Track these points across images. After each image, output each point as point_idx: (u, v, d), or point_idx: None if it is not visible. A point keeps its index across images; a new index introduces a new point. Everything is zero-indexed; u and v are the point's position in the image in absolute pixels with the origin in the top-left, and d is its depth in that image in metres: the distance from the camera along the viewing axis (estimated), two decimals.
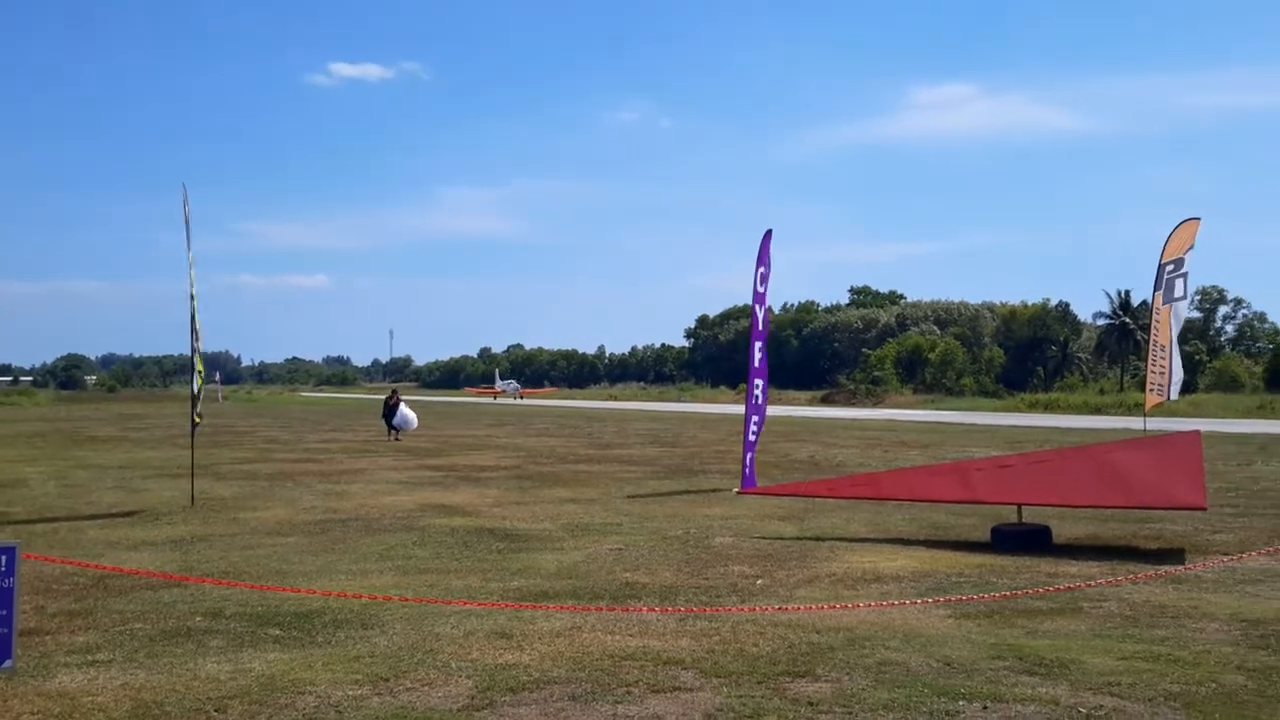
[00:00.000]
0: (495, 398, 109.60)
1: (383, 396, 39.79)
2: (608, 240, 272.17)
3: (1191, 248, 25.92)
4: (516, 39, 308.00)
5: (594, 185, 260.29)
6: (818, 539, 13.33)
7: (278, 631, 8.41)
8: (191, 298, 16.98)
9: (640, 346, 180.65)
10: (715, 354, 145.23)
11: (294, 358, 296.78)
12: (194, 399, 17.83)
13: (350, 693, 6.73)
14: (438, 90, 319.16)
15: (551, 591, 10.03)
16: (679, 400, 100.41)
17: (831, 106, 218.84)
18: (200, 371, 17.56)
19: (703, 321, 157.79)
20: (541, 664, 7.38)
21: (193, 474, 18.79)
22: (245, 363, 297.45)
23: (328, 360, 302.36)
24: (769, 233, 19.37)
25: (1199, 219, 26.26)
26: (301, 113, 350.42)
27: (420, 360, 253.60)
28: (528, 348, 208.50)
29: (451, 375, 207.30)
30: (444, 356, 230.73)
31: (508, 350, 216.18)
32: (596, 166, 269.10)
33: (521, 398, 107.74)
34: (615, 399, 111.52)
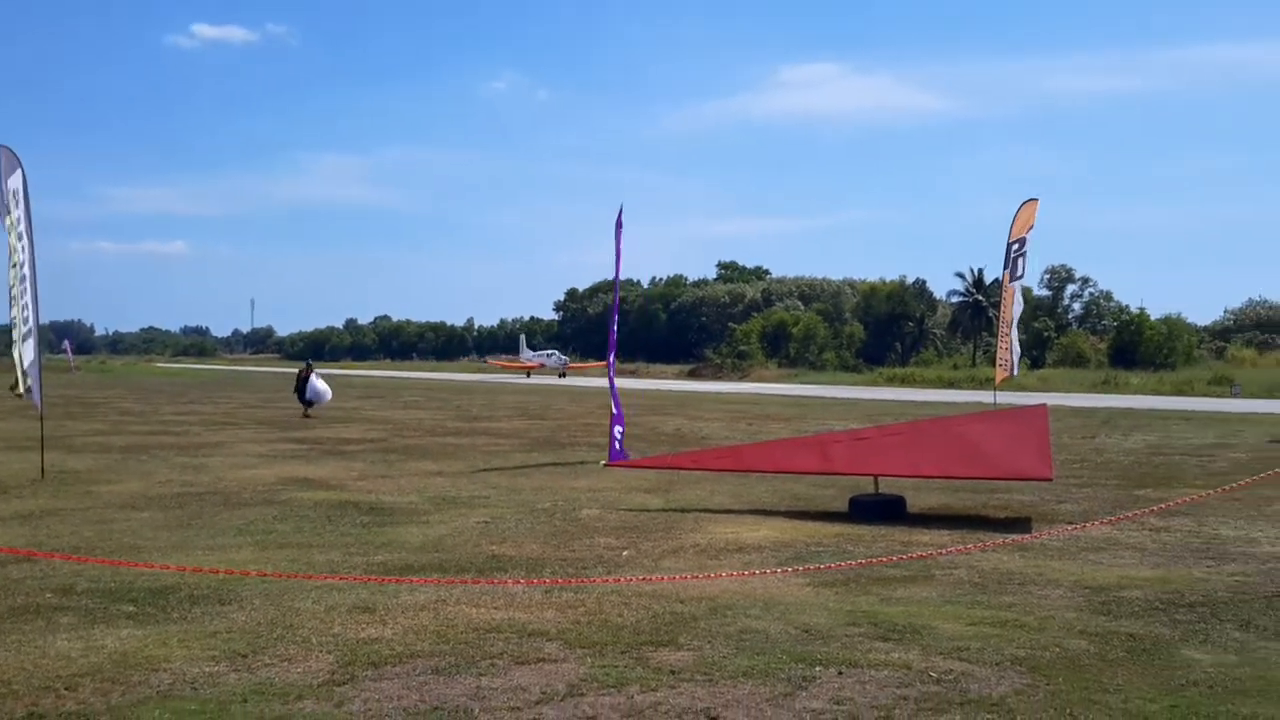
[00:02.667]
0: (529, 374, 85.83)
1: (294, 370, 37.61)
2: (478, 211, 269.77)
3: (1032, 227, 26.93)
4: (387, 4, 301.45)
5: (465, 155, 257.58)
6: (683, 510, 13.52)
7: (131, 608, 8.18)
8: (13, 265, 16.46)
9: (510, 319, 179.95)
10: (584, 327, 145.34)
11: (150, 327, 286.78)
12: (19, 370, 17.36)
13: (206, 669, 6.60)
14: (304, 54, 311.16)
15: (416, 565, 9.97)
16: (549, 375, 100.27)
17: (703, 82, 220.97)
18: (16, 342, 17.00)
19: (572, 295, 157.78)
20: (404, 638, 7.35)
21: (43, 446, 18.08)
22: (99, 332, 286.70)
23: (186, 330, 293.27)
24: (620, 209, 19.30)
25: (1037, 200, 27.29)
26: (162, 74, 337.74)
27: (283, 331, 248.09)
28: (395, 319, 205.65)
29: (316, 346, 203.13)
30: (308, 328, 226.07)
31: (374, 321, 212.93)
32: (468, 136, 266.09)
33: (565, 375, 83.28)
34: (484, 371, 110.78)
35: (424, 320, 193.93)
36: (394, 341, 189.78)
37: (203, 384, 68.05)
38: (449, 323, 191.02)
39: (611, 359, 19.73)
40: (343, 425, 29.33)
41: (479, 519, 12.79)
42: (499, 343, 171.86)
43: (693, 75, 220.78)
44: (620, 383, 20.68)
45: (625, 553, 10.64)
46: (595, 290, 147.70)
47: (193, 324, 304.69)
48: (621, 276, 19.90)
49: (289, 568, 9.74)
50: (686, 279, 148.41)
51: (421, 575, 9.47)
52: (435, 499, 14.55)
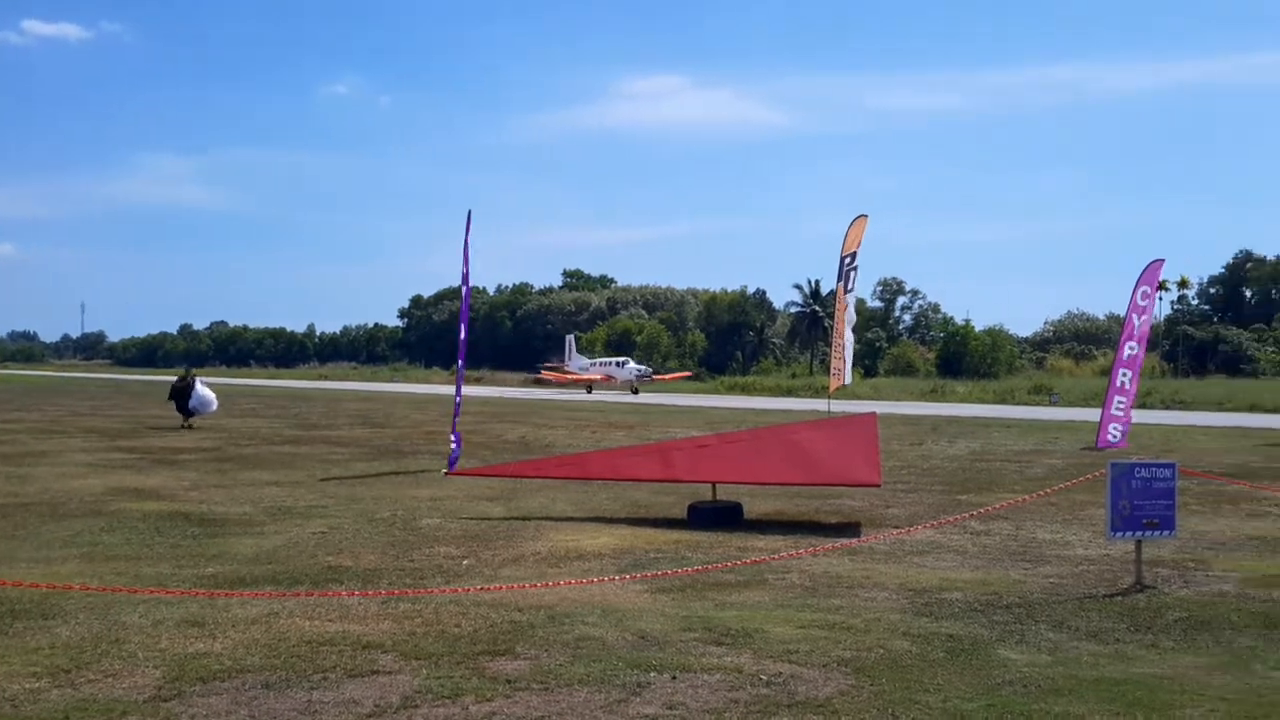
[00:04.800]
0: (590, 389, 67.61)
1: (172, 379, 34.47)
2: (319, 215, 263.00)
3: (861, 242, 27.88)
4: (225, 4, 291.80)
5: (305, 158, 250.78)
6: (525, 519, 13.51)
7: None
8: None
9: (352, 326, 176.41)
10: (429, 334, 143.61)
11: None
12: None
13: (27, 685, 6.34)
14: (140, 53, 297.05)
15: (249, 577, 9.73)
16: (391, 381, 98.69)
17: (550, 91, 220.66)
18: None
19: (417, 301, 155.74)
20: (235, 652, 7.17)
21: None
22: None
23: (13, 335, 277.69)
24: (469, 215, 19.01)
25: (866, 216, 28.32)
26: None
27: (115, 336, 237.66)
28: (232, 325, 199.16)
29: (149, 353, 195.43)
30: (140, 333, 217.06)
31: (210, 327, 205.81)
32: (308, 139, 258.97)
33: (637, 391, 65.54)
34: (325, 379, 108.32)
35: (262, 326, 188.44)
36: (231, 348, 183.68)
37: (30, 391, 64.76)
38: (289, 329, 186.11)
39: (461, 365, 19.57)
40: (175, 434, 28.33)
41: (315, 529, 12.54)
42: (341, 350, 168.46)
43: (539, 84, 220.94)
44: (466, 390, 20.57)
45: (465, 562, 10.59)
46: (441, 297, 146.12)
47: (20, 328, 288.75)
48: (468, 284, 19.77)
49: (116, 581, 9.39)
50: (532, 287, 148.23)
51: (254, 588, 9.24)
52: (270, 509, 14.20)
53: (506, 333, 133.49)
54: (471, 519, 13.45)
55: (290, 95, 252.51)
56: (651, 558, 10.89)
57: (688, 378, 79.84)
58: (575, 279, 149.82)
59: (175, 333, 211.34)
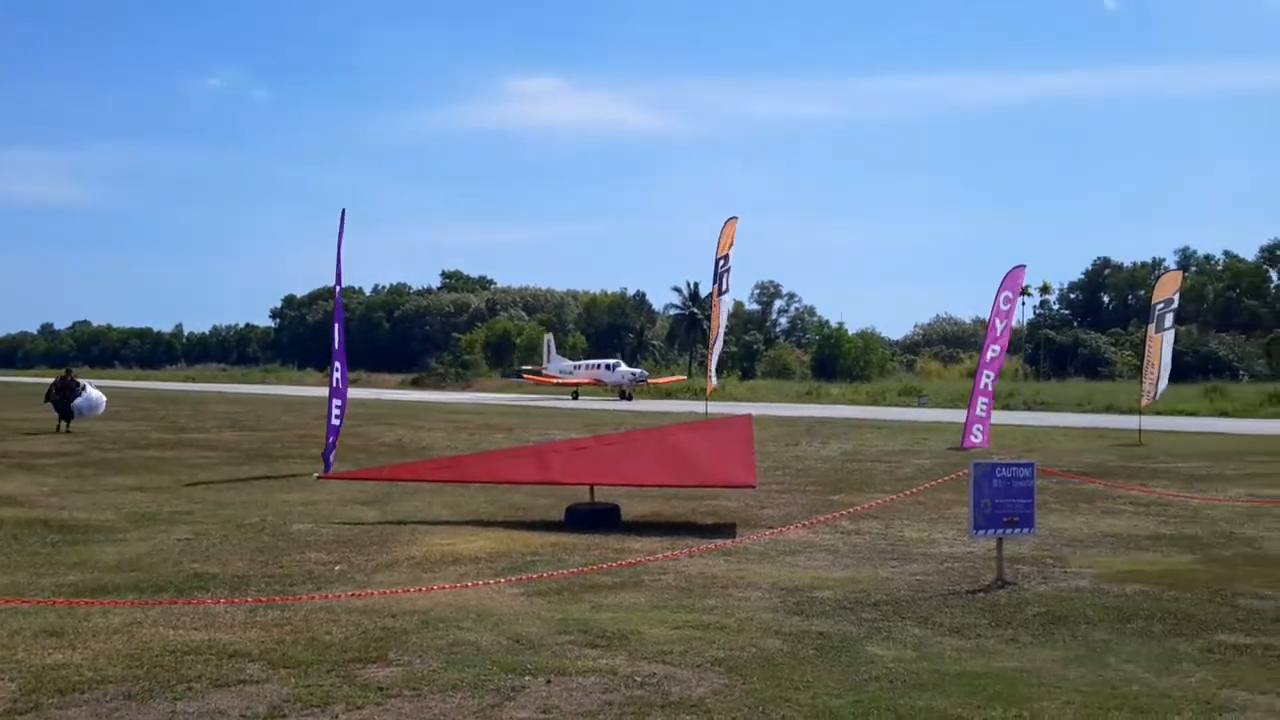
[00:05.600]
0: (576, 394, 63.01)
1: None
2: (188, 212, 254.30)
3: (733, 244, 28.30)
4: None
5: (175, 154, 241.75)
6: (400, 523, 13.35)
7: None
8: None
9: (222, 326, 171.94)
10: (303, 335, 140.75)
11: None
12: None
13: None
14: (5, 45, 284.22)
15: (110, 585, 9.42)
16: (263, 382, 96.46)
17: (429, 90, 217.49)
18: None
19: (290, 301, 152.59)
20: (95, 663, 6.94)
21: None
22: None
23: None
24: (342, 214, 18.97)
25: (737, 218, 28.76)
26: None
27: None
28: (95, 325, 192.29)
29: (8, 353, 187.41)
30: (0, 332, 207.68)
31: (73, 327, 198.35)
32: (179, 134, 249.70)
33: (630, 396, 61.30)
34: (193, 381, 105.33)
35: (127, 326, 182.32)
36: (94, 348, 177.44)
37: None
38: (155, 329, 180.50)
39: (339, 367, 19.19)
40: (35, 438, 27.24)
41: (181, 536, 12.20)
42: (210, 351, 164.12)
43: (418, 83, 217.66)
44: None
45: (337, 568, 10.42)
46: (315, 297, 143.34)
47: None
48: (344, 284, 19.48)
49: None
50: (410, 288, 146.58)
51: (116, 596, 8.96)
52: (134, 515, 13.77)
53: (384, 334, 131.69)
54: (344, 524, 13.24)
55: (161, 89, 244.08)
56: (528, 560, 10.87)
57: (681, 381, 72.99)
58: (454, 280, 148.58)
59: (36, 332, 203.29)
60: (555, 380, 66.81)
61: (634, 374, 64.64)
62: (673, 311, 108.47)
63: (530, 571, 10.14)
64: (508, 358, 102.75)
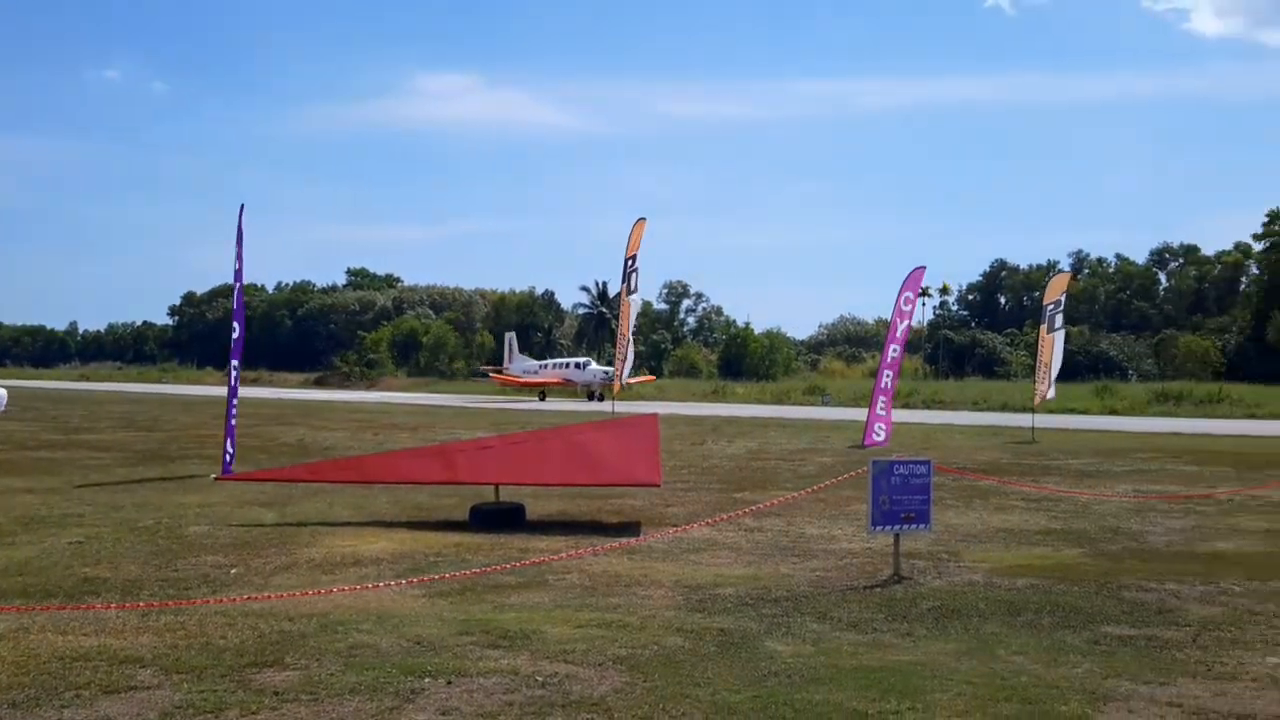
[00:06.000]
0: (543, 395, 59.86)
1: None
2: (83, 206, 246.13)
3: (641, 244, 28.50)
4: None
5: (68, 146, 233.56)
6: (299, 524, 13.15)
7: None
8: None
9: (119, 324, 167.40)
10: (203, 333, 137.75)
11: None
12: None
13: None
14: None
15: None
16: (160, 382, 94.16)
17: (336, 84, 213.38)
18: None
19: (189, 299, 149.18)
20: None
21: None
22: None
23: None
24: (241, 210, 18.71)
25: (645, 219, 28.94)
26: None
27: None
28: None
29: None
30: None
31: None
32: (72, 126, 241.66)
33: (601, 397, 55.71)
34: (88, 380, 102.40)
35: (18, 323, 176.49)
36: None
37: None
38: (48, 326, 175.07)
39: (235, 366, 18.85)
40: None
41: (71, 539, 11.87)
42: (106, 349, 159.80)
43: (325, 77, 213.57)
44: (241, 391, 19.83)
45: (233, 570, 10.24)
46: (215, 294, 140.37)
47: None
48: (246, 281, 19.13)
49: None
50: (314, 285, 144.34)
51: (2, 602, 8.69)
52: (22, 518, 13.36)
53: (286, 332, 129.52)
54: (242, 526, 13.00)
55: (57, 80, 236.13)
56: (431, 561, 10.79)
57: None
58: (360, 278, 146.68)
59: None
60: (519, 381, 62.74)
61: (606, 373, 57.57)
62: (581, 311, 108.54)
63: (432, 572, 10.07)
64: (414, 356, 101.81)
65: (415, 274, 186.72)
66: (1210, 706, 6.35)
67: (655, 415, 15.55)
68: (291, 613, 8.42)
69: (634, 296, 28.65)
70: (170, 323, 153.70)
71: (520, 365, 66.14)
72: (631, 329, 28.40)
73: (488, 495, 13.86)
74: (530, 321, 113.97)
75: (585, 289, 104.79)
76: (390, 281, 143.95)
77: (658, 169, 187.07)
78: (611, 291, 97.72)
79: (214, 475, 17.58)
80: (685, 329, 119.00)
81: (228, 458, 18.06)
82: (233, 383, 18.74)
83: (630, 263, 27.54)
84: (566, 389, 60.67)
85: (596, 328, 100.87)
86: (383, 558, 10.98)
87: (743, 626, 8.19)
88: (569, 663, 7.12)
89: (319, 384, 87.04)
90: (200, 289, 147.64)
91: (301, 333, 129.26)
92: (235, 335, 18.74)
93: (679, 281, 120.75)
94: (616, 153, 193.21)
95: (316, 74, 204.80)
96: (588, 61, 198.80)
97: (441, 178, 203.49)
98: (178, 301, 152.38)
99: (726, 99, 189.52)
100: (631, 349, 28.92)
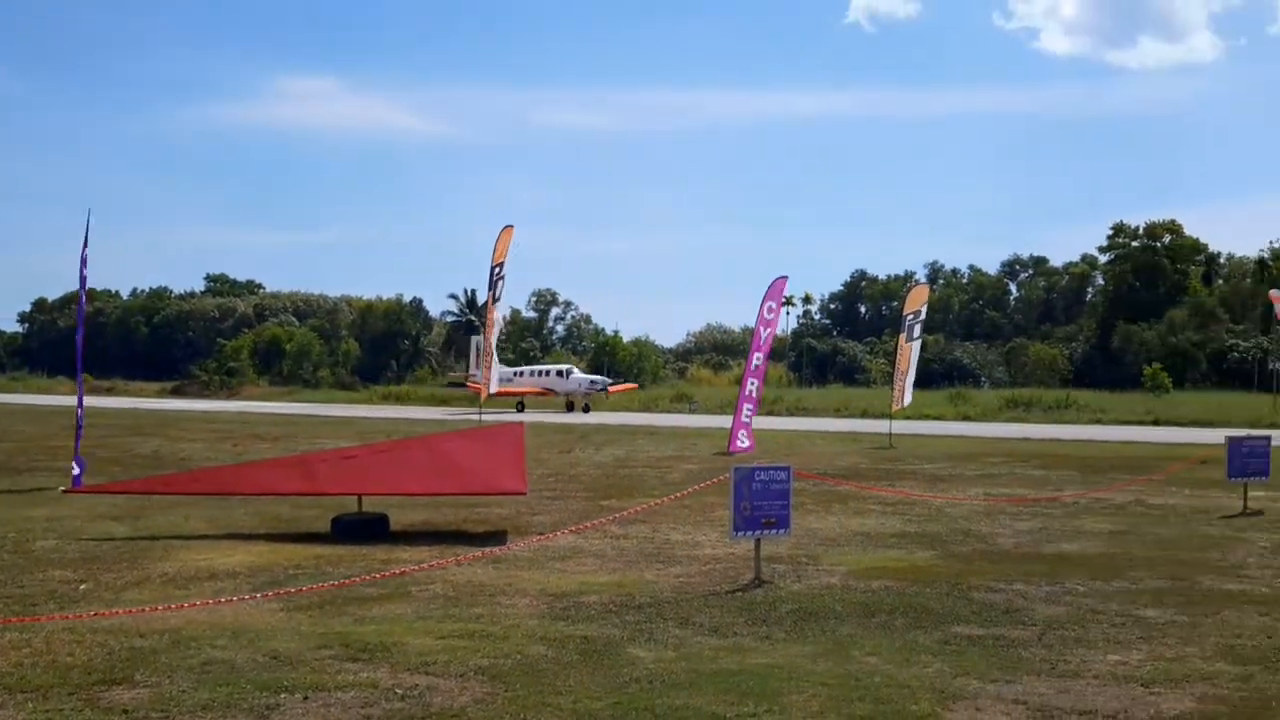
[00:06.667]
0: (521, 405, 55.35)
1: None
2: None
3: (509, 252, 28.50)
4: None
5: None
6: (152, 538, 12.77)
7: None
8: None
9: None
10: (55, 340, 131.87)
11: None
12: None
13: None
14: None
15: None
16: (9, 391, 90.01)
17: (194, 85, 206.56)
18: None
19: (40, 305, 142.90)
20: None
21: None
22: None
23: None
24: (89, 214, 18.04)
25: (513, 227, 28.94)
26: None
27: None
28: None
29: None
30: None
31: None
32: None
33: (586, 409, 54.07)
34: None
35: None
36: None
37: None
38: None
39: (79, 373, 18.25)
40: None
41: None
42: None
43: (181, 78, 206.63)
44: (94, 401, 19.17)
45: (83, 586, 9.90)
46: (68, 300, 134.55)
47: None
48: (100, 286, 18.62)
49: None
50: (172, 291, 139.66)
51: None
52: None
53: (142, 339, 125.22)
54: (92, 540, 12.56)
55: None
56: (290, 574, 10.60)
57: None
58: (219, 284, 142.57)
59: None
60: (502, 391, 55.71)
61: (594, 381, 56.06)
62: (450, 319, 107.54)
63: (291, 585, 9.89)
64: (277, 365, 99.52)
65: (278, 280, 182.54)
66: (1054, 704, 6.64)
67: (521, 424, 15.55)
68: (143, 629, 8.19)
69: (501, 304, 28.54)
70: (20, 330, 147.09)
71: (493, 374, 60.24)
72: (499, 337, 28.28)
73: (350, 506, 13.66)
74: (397, 329, 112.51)
75: (454, 297, 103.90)
76: (251, 288, 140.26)
77: (525, 177, 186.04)
78: (480, 300, 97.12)
79: (62, 488, 16.95)
80: (554, 337, 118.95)
81: (77, 470, 17.43)
82: (80, 391, 18.11)
83: (497, 270, 27.47)
84: (542, 400, 56.59)
85: (465, 335, 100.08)
86: (239, 571, 10.74)
87: (606, 634, 8.26)
88: (430, 674, 7.08)
89: (176, 393, 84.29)
90: (52, 295, 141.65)
91: (158, 340, 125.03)
92: (79, 342, 18.12)
93: (548, 290, 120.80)
94: (483, 160, 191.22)
95: (172, 75, 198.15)
96: (450, 68, 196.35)
97: (305, 183, 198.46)
98: (28, 308, 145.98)
99: (593, 108, 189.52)
100: (495, 357, 28.77)
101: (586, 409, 53.19)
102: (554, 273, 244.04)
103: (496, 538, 13.15)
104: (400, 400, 68.78)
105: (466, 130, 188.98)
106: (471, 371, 59.31)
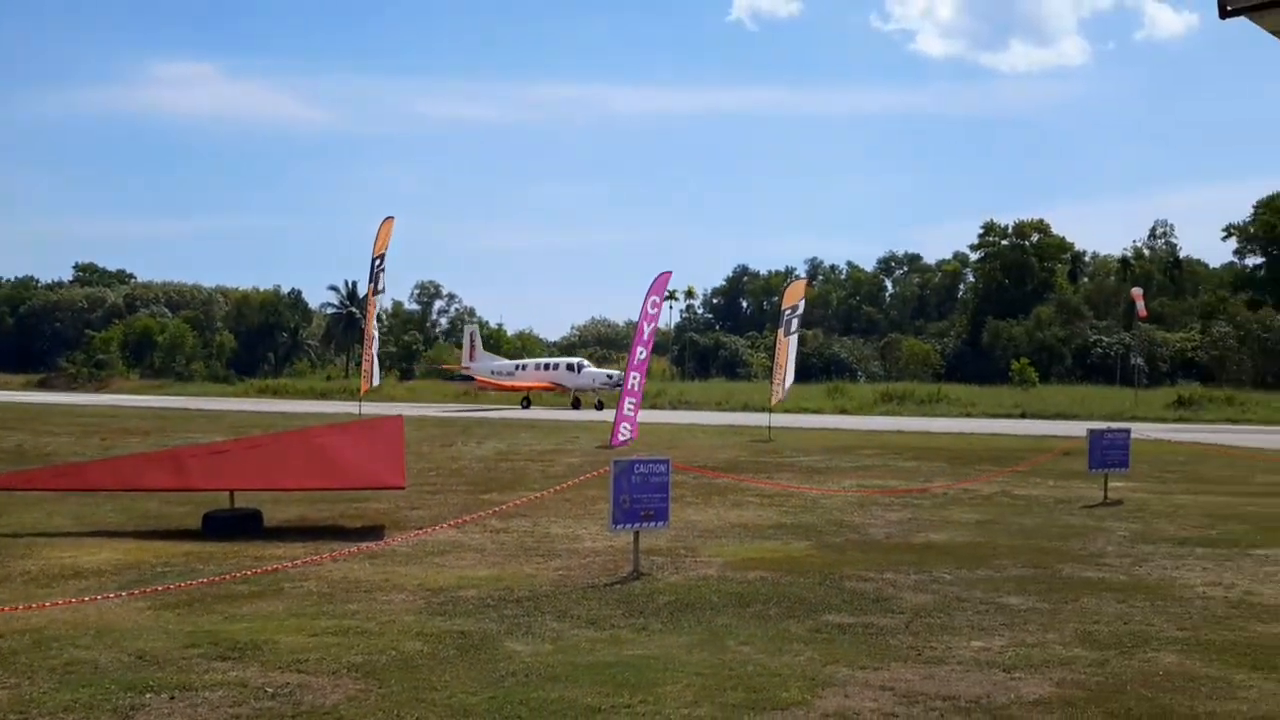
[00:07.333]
0: (527, 401, 52.58)
1: None
2: None
3: (389, 244, 28.16)
4: None
5: None
6: (13, 536, 12.33)
7: None
8: None
9: None
10: None
11: None
12: None
13: None
14: None
15: None
16: None
17: (62, 69, 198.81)
18: None
19: None
20: None
21: None
22: None
23: None
24: None
25: (394, 218, 28.65)
26: None
27: None
28: None
29: None
30: None
31: None
32: None
33: (600, 405, 48.88)
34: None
35: None
36: None
37: None
38: None
39: None
40: None
41: None
42: None
43: (49, 62, 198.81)
44: None
45: None
46: None
47: None
48: None
49: None
50: (38, 281, 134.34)
51: None
52: None
53: (7, 331, 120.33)
54: None
55: None
56: (159, 572, 10.34)
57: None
58: (88, 273, 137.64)
59: None
60: (496, 384, 53.50)
61: (609, 376, 50.07)
62: (330, 310, 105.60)
63: (159, 583, 9.65)
64: (149, 357, 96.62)
65: (150, 271, 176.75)
66: (919, 689, 6.84)
67: (400, 417, 15.38)
68: (2, 629, 7.92)
69: (381, 296, 28.19)
70: None
71: (487, 364, 56.31)
72: (379, 329, 27.92)
73: (223, 502, 13.38)
74: (275, 321, 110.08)
75: (334, 288, 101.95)
76: (122, 278, 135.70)
77: (408, 168, 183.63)
78: (361, 291, 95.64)
79: None
80: (438, 330, 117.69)
81: None
82: None
83: (378, 262, 27.10)
84: (541, 395, 53.05)
85: (346, 328, 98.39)
86: (105, 569, 10.44)
87: (483, 628, 8.24)
88: (301, 672, 6.99)
89: (43, 386, 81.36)
90: None
91: (23, 331, 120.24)
92: None
93: (431, 282, 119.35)
94: (365, 150, 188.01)
95: (39, 58, 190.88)
96: (334, 56, 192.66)
97: (179, 171, 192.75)
98: None
99: (477, 99, 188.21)
100: (376, 349, 28.40)
101: (600, 406, 48.84)
102: (438, 265, 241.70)
103: (374, 533, 13.00)
104: (278, 394, 67.42)
105: (349, 119, 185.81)
106: (466, 363, 57.38)
